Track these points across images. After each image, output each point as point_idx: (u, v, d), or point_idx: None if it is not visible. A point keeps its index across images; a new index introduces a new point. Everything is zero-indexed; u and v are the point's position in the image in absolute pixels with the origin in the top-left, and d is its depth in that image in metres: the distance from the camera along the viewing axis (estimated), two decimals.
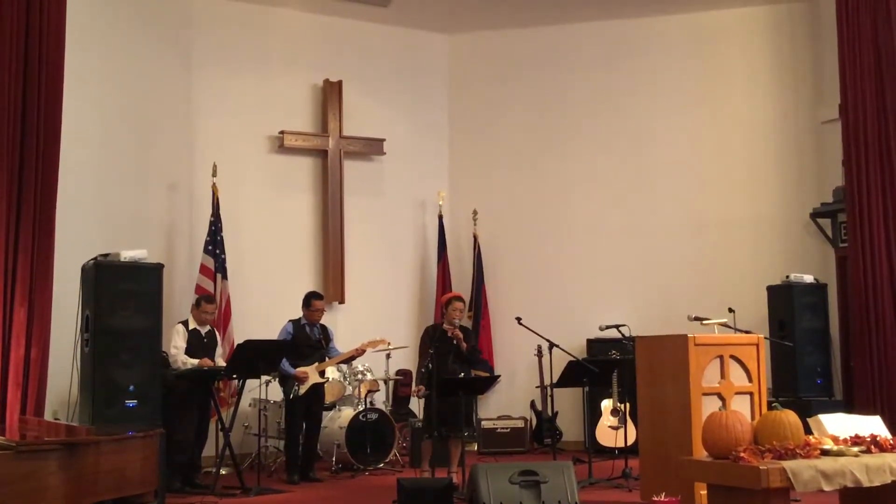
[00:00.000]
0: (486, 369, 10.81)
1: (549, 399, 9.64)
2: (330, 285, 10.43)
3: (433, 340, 7.91)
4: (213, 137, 10.06)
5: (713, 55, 11.03)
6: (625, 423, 8.58)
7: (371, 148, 10.96)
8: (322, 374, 8.71)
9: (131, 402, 7.66)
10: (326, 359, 8.73)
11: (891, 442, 5.15)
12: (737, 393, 6.65)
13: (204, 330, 8.29)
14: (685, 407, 6.47)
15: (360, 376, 9.41)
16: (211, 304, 8.48)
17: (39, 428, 6.52)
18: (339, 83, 10.75)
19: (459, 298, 8.32)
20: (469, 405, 7.98)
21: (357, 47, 11.03)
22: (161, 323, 8.01)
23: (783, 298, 9.62)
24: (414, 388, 8.07)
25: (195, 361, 8.00)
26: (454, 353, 7.92)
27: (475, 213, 11.18)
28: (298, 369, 8.49)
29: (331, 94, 10.73)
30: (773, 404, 5.21)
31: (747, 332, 7.35)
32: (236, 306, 9.62)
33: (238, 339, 9.10)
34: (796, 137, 10.70)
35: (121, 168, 9.39)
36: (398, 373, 10.16)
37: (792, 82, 10.76)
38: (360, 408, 9.12)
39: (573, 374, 8.12)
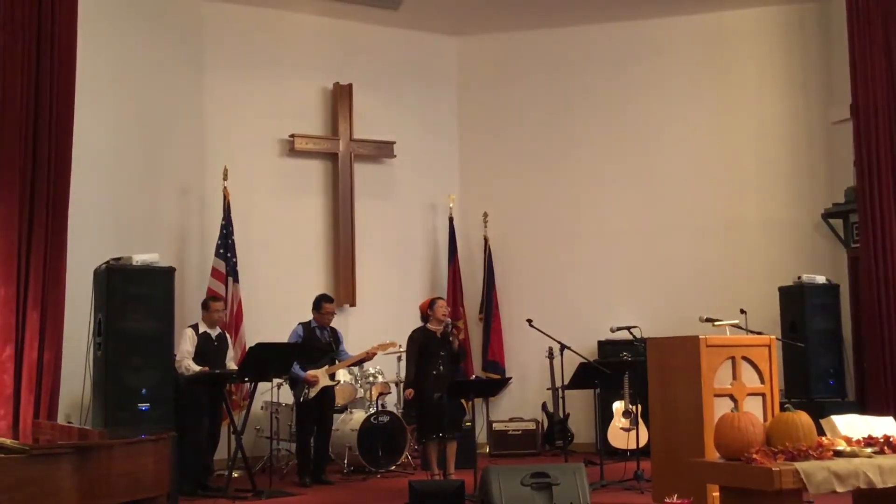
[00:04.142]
0: (496, 371, 10.86)
1: (560, 401, 9.62)
2: (341, 288, 10.45)
3: (425, 344, 7.94)
4: (224, 141, 10.10)
5: (723, 56, 11.01)
6: (636, 424, 8.56)
7: (381, 151, 10.98)
8: (332, 377, 8.72)
9: (144, 406, 7.69)
10: (336, 362, 8.74)
11: None
12: (749, 394, 6.61)
13: (214, 333, 8.30)
14: (697, 408, 6.45)
15: (371, 379, 9.42)
16: (218, 303, 8.50)
17: (52, 431, 6.54)
18: (350, 86, 10.77)
19: (440, 297, 8.57)
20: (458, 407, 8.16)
21: (367, 50, 11.05)
22: (173, 326, 8.05)
23: (795, 299, 9.59)
24: (405, 392, 8.12)
25: (197, 368, 7.99)
26: (446, 353, 7.95)
27: (486, 215, 11.18)
28: (309, 372, 8.50)
29: (341, 97, 10.75)
30: (786, 405, 5.19)
31: (759, 333, 7.33)
32: (247, 309, 9.64)
33: (249, 341, 9.12)
34: (807, 138, 10.68)
35: (132, 172, 9.45)
36: None
37: (802, 83, 10.74)
38: (372, 410, 9.13)
39: (584, 376, 8.12)
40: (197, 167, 9.99)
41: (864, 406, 9.15)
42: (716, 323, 7.27)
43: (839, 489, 4.69)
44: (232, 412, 8.51)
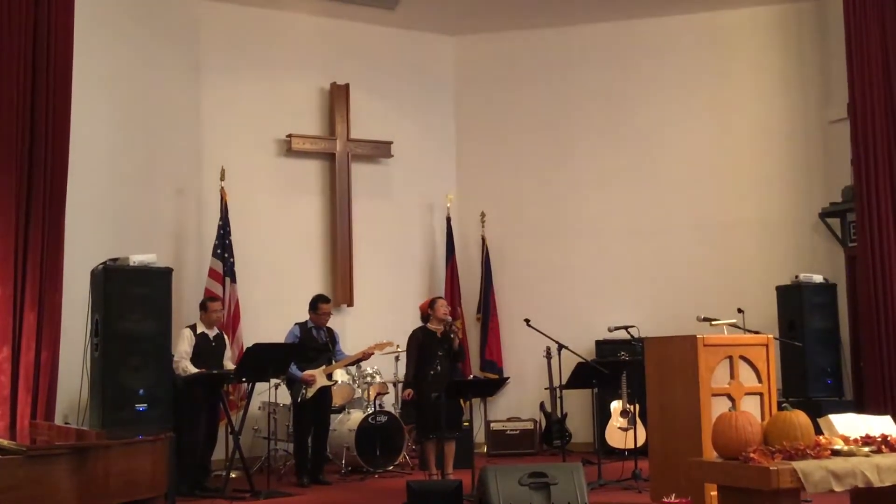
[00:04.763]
0: (494, 371, 10.86)
1: (558, 401, 9.63)
2: (338, 288, 10.44)
3: (425, 344, 7.94)
4: (222, 141, 10.09)
5: (721, 55, 11.01)
6: (634, 424, 8.56)
7: (378, 151, 10.98)
8: (330, 377, 8.72)
9: (141, 406, 7.70)
10: (333, 362, 8.74)
11: None
12: (746, 393, 6.62)
13: (212, 334, 8.30)
14: (695, 408, 6.45)
15: (369, 379, 9.42)
16: (216, 303, 8.50)
17: (50, 432, 6.54)
18: (347, 86, 10.77)
19: (440, 297, 8.57)
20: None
21: (364, 50, 11.04)
22: (170, 327, 8.06)
23: (793, 298, 9.60)
24: (404, 392, 8.12)
25: (195, 369, 7.98)
26: (444, 353, 7.95)
27: (483, 215, 11.17)
28: (306, 372, 8.50)
29: (338, 97, 10.74)
30: (783, 405, 5.19)
31: (757, 332, 7.32)
32: (245, 309, 9.64)
33: (247, 342, 9.12)
34: (805, 137, 10.68)
35: (130, 173, 9.45)
36: None
37: (800, 82, 10.74)
38: (370, 410, 9.13)
39: (582, 376, 8.12)
40: (194, 167, 9.98)
41: (861, 405, 9.15)
42: (713, 322, 7.27)
43: (837, 488, 4.68)
44: (230, 412, 8.50)
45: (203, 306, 8.39)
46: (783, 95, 10.79)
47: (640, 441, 8.21)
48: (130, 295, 7.83)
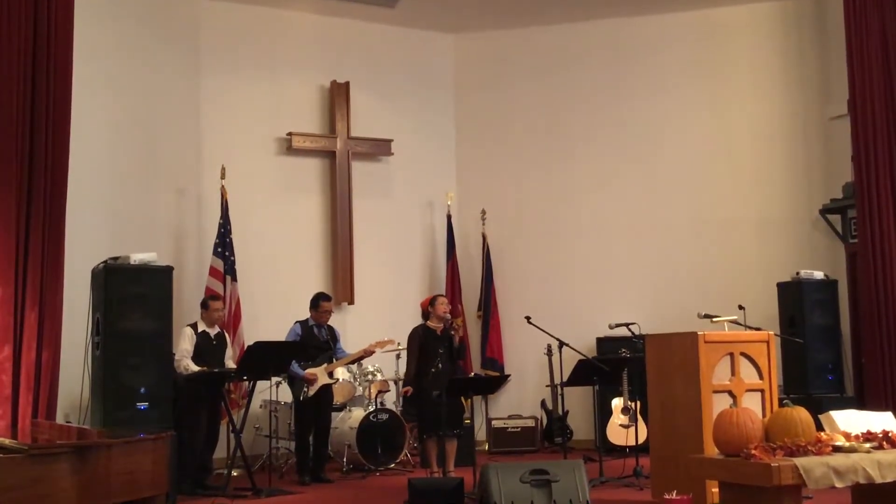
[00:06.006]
0: (495, 369, 10.86)
1: (559, 398, 9.63)
2: (339, 286, 10.44)
3: (426, 341, 7.94)
4: (222, 140, 10.09)
5: (720, 52, 11.00)
6: (635, 421, 8.57)
7: (379, 149, 10.97)
8: (331, 375, 8.73)
9: (142, 405, 7.69)
10: (334, 360, 8.74)
11: None
12: (747, 390, 6.64)
13: (213, 332, 8.30)
14: (696, 404, 6.46)
15: (370, 377, 9.42)
16: (217, 302, 8.50)
17: (51, 431, 6.54)
18: (347, 84, 10.77)
19: (441, 294, 8.54)
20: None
21: (364, 48, 11.04)
22: (171, 325, 8.04)
23: (793, 295, 9.59)
24: (402, 389, 8.12)
25: (196, 367, 7.98)
26: (445, 351, 7.96)
27: (483, 212, 11.17)
28: (307, 371, 8.50)
29: (338, 95, 10.74)
30: (784, 401, 5.20)
31: (757, 329, 7.33)
32: (245, 308, 9.64)
33: (247, 340, 9.13)
34: (805, 133, 10.68)
35: (130, 171, 9.45)
36: None
37: (800, 78, 10.74)
38: (371, 408, 9.13)
39: (583, 373, 8.11)
40: (194, 166, 9.98)
41: (862, 401, 9.15)
42: (714, 319, 7.28)
43: (838, 484, 4.69)
44: (231, 411, 8.50)
45: (204, 305, 8.39)
46: (783, 92, 10.79)
47: (642, 438, 8.21)
48: (131, 294, 7.81)
